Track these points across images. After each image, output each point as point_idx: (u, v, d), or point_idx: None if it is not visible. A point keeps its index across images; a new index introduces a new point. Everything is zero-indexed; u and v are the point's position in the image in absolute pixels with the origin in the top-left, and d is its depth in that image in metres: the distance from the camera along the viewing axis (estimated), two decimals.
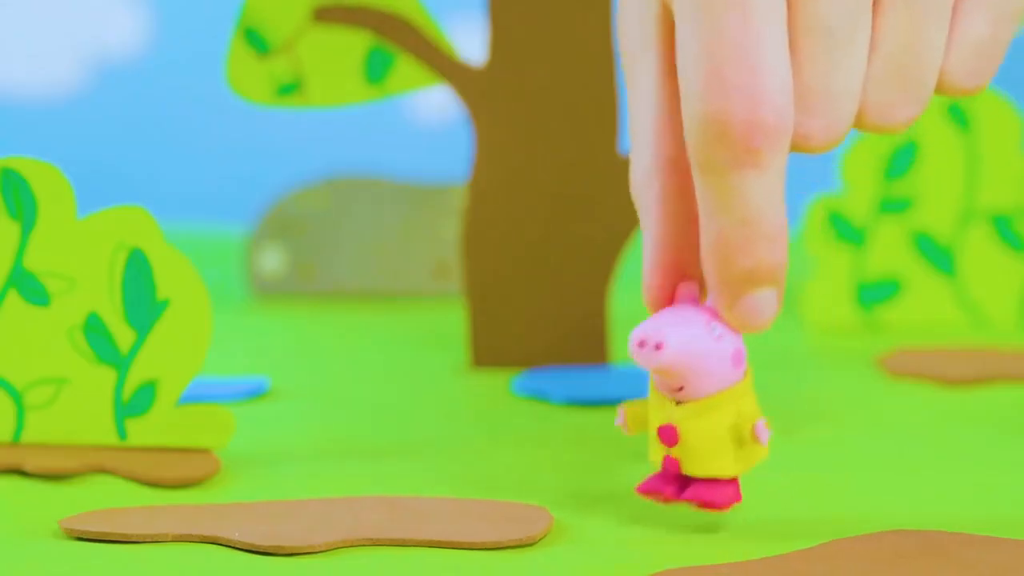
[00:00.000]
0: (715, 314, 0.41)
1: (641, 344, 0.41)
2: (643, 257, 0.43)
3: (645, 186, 0.42)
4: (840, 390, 0.58)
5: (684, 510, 0.43)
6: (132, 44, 1.06)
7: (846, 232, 0.68)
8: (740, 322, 0.41)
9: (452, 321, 0.67)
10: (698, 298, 0.42)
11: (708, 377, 0.41)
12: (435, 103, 1.03)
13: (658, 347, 0.40)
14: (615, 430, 0.53)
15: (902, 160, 0.68)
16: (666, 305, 0.42)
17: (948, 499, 0.46)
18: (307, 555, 0.41)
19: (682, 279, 0.42)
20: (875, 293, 0.69)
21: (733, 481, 0.42)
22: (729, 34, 0.38)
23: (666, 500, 0.42)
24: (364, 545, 0.41)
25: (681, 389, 0.41)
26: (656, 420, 0.42)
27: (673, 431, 0.41)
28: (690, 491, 0.42)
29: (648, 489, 0.42)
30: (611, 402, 0.56)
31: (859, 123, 0.41)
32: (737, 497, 0.42)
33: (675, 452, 0.42)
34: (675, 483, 0.42)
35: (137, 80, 1.06)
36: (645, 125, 0.42)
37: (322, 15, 0.58)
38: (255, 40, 0.58)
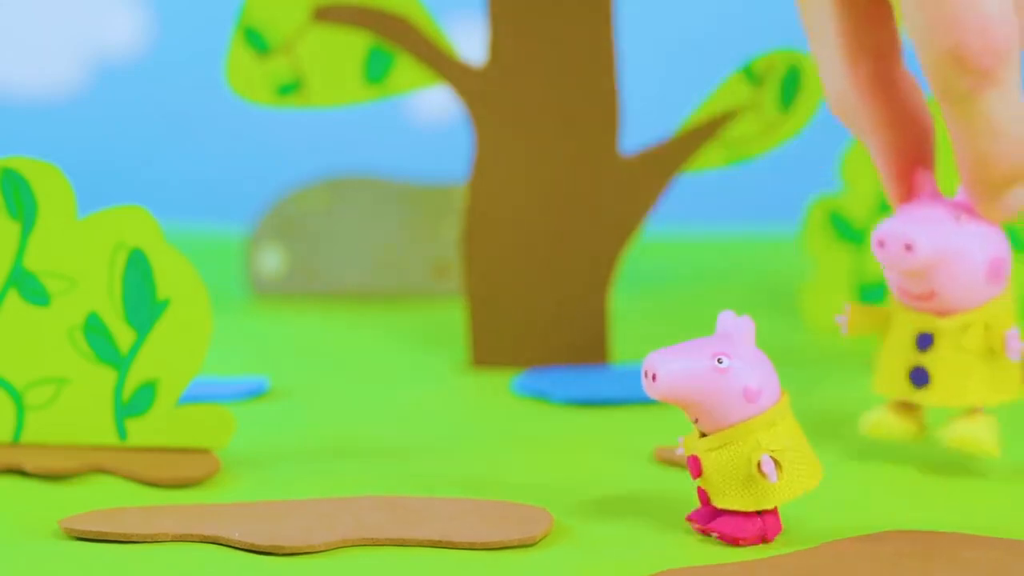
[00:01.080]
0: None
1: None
2: (876, 165, 0.47)
3: (857, 106, 0.47)
4: (840, 390, 0.58)
5: (683, 511, 0.43)
6: (132, 44, 1.06)
7: (846, 232, 0.68)
8: (1000, 216, 0.45)
9: (452, 321, 0.67)
10: (935, 184, 0.46)
11: (723, 410, 0.41)
12: (435, 103, 1.03)
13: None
14: (616, 431, 0.53)
15: None
16: (909, 198, 0.47)
17: (948, 499, 0.46)
18: (307, 555, 0.41)
19: (914, 171, 0.47)
20: (875, 293, 0.69)
21: (762, 515, 0.41)
22: None
23: (702, 531, 0.42)
24: (364, 545, 0.41)
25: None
26: (688, 449, 0.42)
27: (697, 462, 0.41)
28: (715, 523, 0.42)
29: (691, 518, 0.42)
30: (611, 402, 0.56)
31: None
32: (767, 532, 0.41)
33: (702, 483, 0.42)
34: (710, 513, 0.42)
35: (137, 80, 1.06)
36: (834, 52, 0.47)
37: (322, 15, 0.58)
38: (255, 40, 0.58)
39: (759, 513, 0.41)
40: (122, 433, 0.47)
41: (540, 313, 0.61)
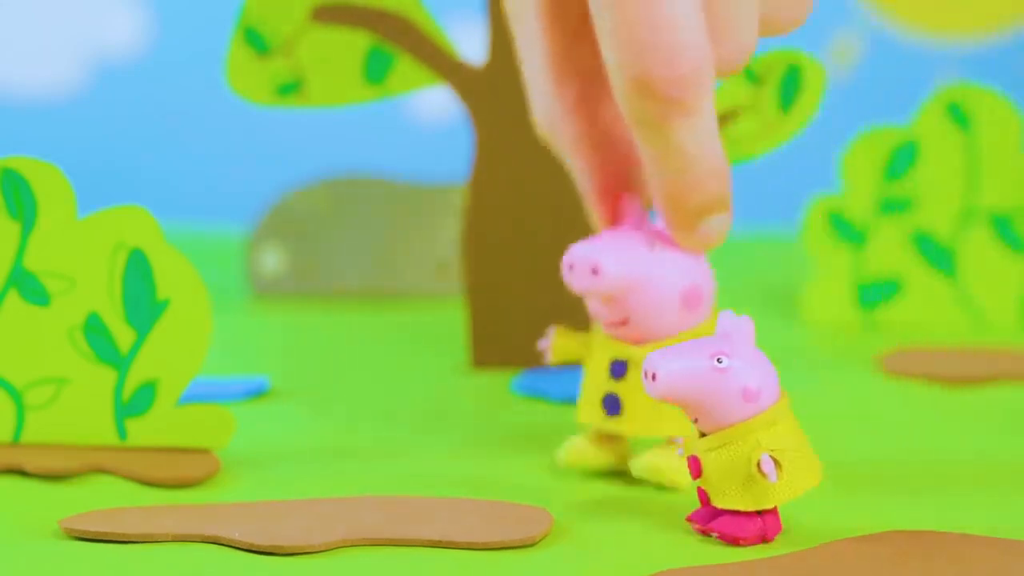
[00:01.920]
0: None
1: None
2: (579, 188, 0.46)
3: (561, 127, 0.45)
4: (840, 390, 0.58)
5: (683, 511, 0.43)
6: (132, 44, 1.06)
7: (846, 232, 0.68)
8: (697, 246, 0.44)
9: (452, 321, 0.67)
10: (642, 210, 0.45)
11: (722, 409, 0.41)
12: (435, 103, 1.03)
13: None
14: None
15: (902, 160, 0.68)
16: (614, 223, 0.46)
17: (948, 499, 0.46)
18: (307, 555, 0.41)
19: (620, 194, 0.46)
20: (875, 293, 0.69)
21: (762, 515, 0.41)
22: None
23: (702, 531, 0.42)
24: (364, 545, 0.41)
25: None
26: (688, 449, 0.42)
27: (697, 462, 0.41)
28: (715, 523, 0.42)
29: (691, 518, 0.42)
30: None
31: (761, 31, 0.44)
32: (767, 532, 0.41)
33: (701, 483, 0.42)
34: (710, 513, 0.42)
35: (137, 80, 1.06)
36: (541, 71, 0.45)
37: (322, 15, 0.58)
38: (255, 40, 0.58)
39: (759, 513, 0.41)
40: (122, 433, 0.47)
41: (540, 313, 0.61)
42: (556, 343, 0.47)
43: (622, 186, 0.46)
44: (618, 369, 0.45)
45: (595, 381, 0.46)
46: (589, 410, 0.47)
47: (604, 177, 0.45)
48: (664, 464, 0.45)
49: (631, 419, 0.46)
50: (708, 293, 0.45)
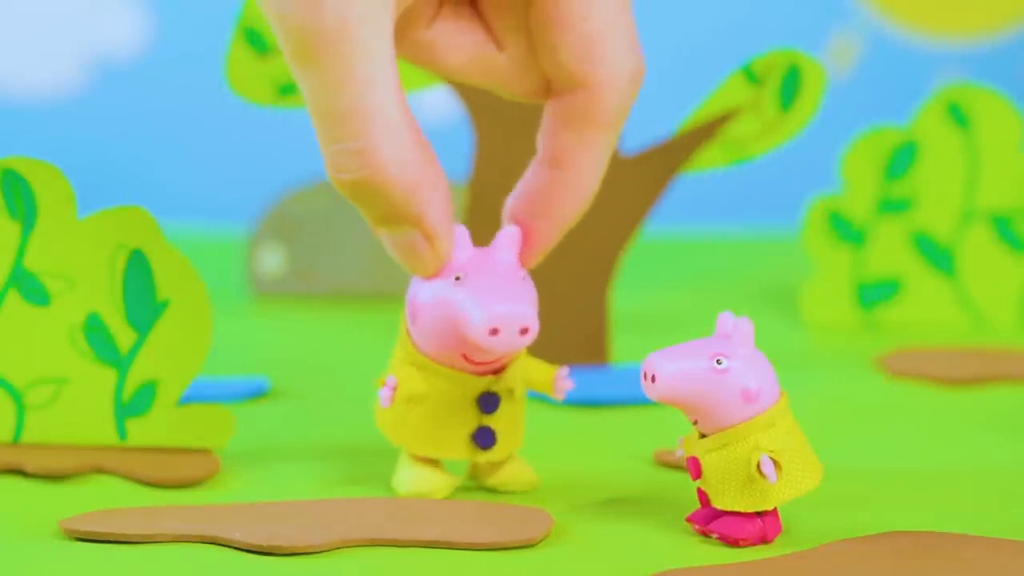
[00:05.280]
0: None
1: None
2: (432, 226, 0.42)
3: (424, 162, 0.42)
4: (840, 390, 0.58)
5: (683, 511, 0.43)
6: (132, 44, 1.06)
7: (846, 232, 0.68)
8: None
9: None
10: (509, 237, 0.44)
11: (722, 411, 0.41)
12: (435, 103, 1.03)
13: None
14: (616, 431, 0.53)
15: (902, 160, 0.68)
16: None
17: (948, 499, 0.46)
18: (307, 555, 0.41)
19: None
20: (875, 293, 0.69)
21: (761, 516, 0.41)
22: (330, 95, 0.39)
23: (702, 531, 0.42)
24: (364, 545, 0.41)
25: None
26: (688, 450, 0.42)
27: (697, 463, 0.41)
28: (715, 523, 0.42)
29: (691, 519, 0.42)
30: (611, 402, 0.56)
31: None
32: (767, 533, 0.41)
33: (701, 484, 0.42)
34: (710, 514, 0.42)
35: (137, 80, 1.06)
36: (395, 103, 0.41)
37: None
38: (255, 40, 0.58)
39: (759, 514, 0.41)
40: (122, 433, 0.47)
41: (540, 313, 0.60)
42: (401, 384, 0.45)
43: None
44: (490, 403, 0.45)
45: (454, 417, 0.45)
46: (450, 446, 0.45)
47: (449, 210, 0.43)
48: (525, 470, 0.46)
49: (501, 447, 0.45)
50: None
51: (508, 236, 0.44)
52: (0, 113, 1.06)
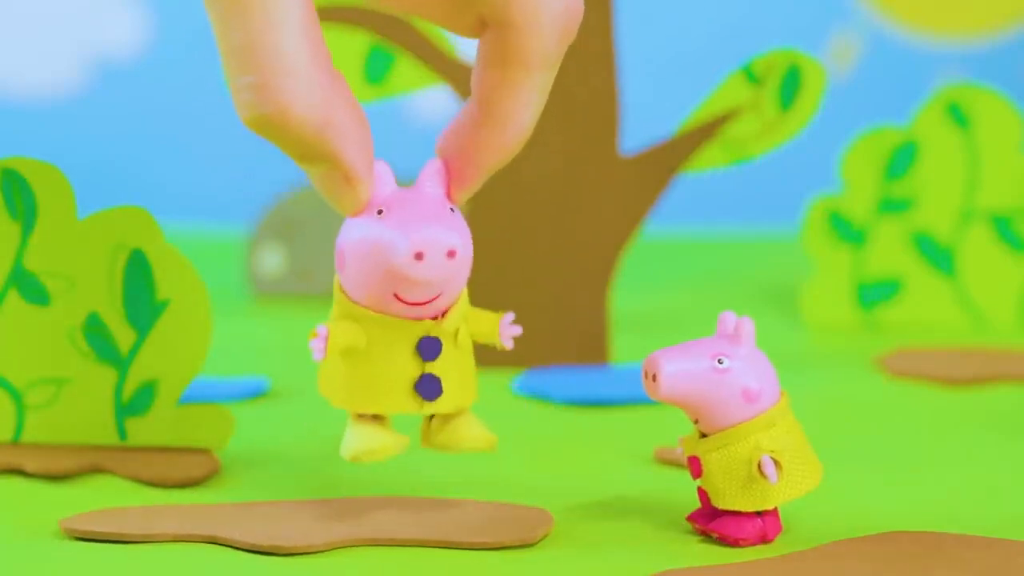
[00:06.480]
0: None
1: None
2: (351, 170, 0.42)
3: (334, 104, 0.41)
4: (840, 390, 0.58)
5: (683, 511, 0.43)
6: (132, 44, 1.06)
7: (846, 232, 0.68)
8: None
9: None
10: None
11: (722, 410, 0.41)
12: (435, 103, 1.03)
13: None
14: (616, 431, 0.53)
15: (902, 160, 0.68)
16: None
17: (948, 499, 0.46)
18: (307, 555, 0.41)
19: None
20: (875, 293, 0.69)
21: (762, 515, 0.41)
22: (229, 30, 0.39)
23: (702, 531, 0.42)
24: (364, 545, 0.41)
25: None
26: (688, 449, 0.42)
27: (697, 463, 0.41)
28: (715, 523, 0.42)
29: (691, 518, 0.42)
30: (611, 402, 0.56)
31: None
32: (767, 533, 0.41)
33: (702, 483, 0.42)
34: (710, 513, 0.42)
35: (137, 80, 1.06)
36: (302, 51, 0.41)
37: (322, 15, 0.58)
38: None
39: (759, 513, 0.41)
40: (122, 433, 0.47)
41: (540, 313, 0.61)
42: (332, 334, 0.42)
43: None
44: (431, 348, 0.42)
45: (394, 367, 0.42)
46: (392, 400, 0.42)
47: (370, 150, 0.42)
48: (479, 429, 0.44)
49: (448, 398, 0.42)
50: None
51: (433, 170, 0.43)
52: (0, 113, 1.06)
